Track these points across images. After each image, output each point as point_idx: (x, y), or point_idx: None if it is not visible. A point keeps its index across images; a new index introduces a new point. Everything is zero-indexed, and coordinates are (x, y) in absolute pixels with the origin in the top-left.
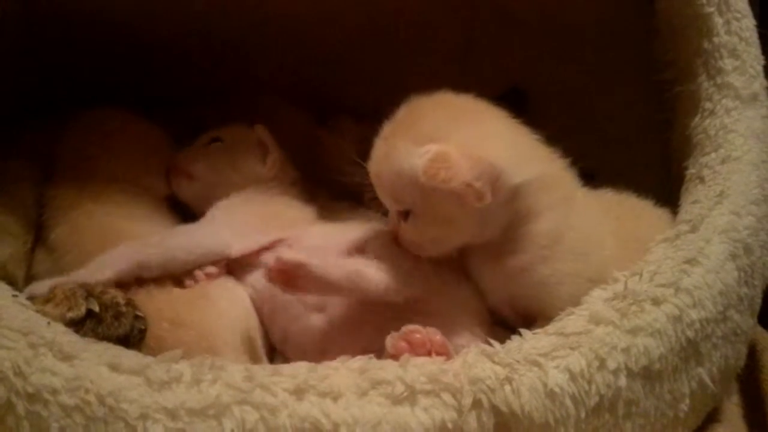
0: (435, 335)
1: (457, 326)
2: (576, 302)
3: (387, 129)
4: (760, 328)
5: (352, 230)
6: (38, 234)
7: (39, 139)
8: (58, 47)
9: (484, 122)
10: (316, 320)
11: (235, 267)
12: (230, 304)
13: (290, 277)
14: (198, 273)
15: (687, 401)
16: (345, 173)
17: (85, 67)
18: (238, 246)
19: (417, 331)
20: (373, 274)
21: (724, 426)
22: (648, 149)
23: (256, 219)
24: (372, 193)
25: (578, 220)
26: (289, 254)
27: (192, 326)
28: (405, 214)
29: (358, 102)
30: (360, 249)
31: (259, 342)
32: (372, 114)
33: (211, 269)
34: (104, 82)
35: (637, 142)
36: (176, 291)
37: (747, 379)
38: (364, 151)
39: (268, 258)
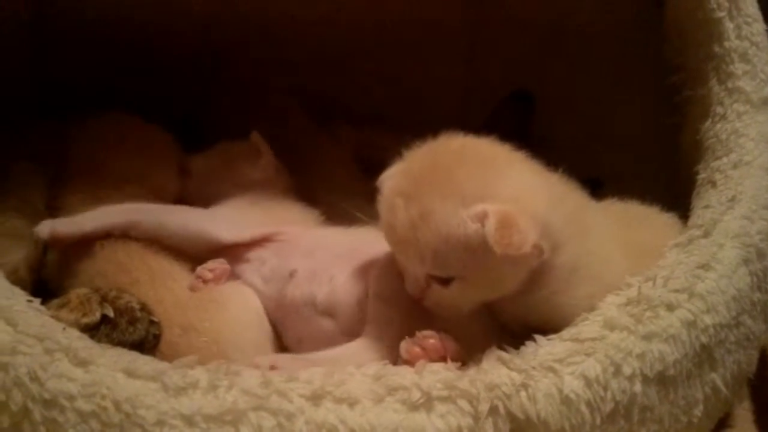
0: (449, 341)
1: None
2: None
3: (402, 185)
4: None
5: (352, 237)
6: None
7: (48, 143)
8: (61, 50)
9: (516, 169)
10: (328, 324)
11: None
12: (241, 309)
13: None
14: (204, 272)
15: (700, 407)
16: (345, 189)
17: (88, 70)
18: (230, 234)
19: (431, 336)
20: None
21: (736, 431)
22: (657, 153)
23: (257, 214)
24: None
25: (593, 241)
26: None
27: (203, 331)
28: (443, 280)
29: (362, 104)
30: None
31: (270, 347)
32: (376, 116)
33: (216, 266)
34: (106, 84)
35: (645, 145)
36: (187, 296)
37: (758, 384)
38: (363, 158)
39: (262, 254)
